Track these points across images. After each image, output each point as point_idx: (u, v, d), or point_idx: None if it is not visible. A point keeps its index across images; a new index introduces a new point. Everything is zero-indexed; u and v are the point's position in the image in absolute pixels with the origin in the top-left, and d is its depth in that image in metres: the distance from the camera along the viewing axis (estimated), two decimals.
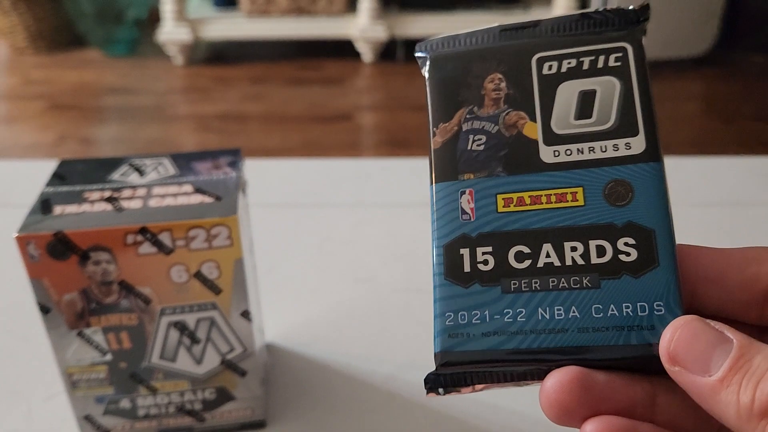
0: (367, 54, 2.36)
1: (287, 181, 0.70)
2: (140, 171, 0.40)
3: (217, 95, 2.18)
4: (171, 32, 2.30)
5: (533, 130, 0.25)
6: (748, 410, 0.19)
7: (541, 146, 0.25)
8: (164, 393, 0.41)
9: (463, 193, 0.25)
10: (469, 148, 0.26)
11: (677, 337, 0.21)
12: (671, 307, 0.22)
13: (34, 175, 0.56)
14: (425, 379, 0.24)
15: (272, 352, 0.49)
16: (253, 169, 0.57)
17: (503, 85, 0.26)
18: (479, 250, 0.24)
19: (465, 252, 0.25)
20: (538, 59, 0.26)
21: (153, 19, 2.44)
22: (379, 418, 0.44)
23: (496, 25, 0.27)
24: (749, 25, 2.40)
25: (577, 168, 0.24)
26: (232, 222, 0.36)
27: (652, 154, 0.24)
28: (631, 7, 0.26)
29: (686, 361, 0.21)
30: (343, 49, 2.37)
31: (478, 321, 0.24)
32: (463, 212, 0.25)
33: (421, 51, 0.28)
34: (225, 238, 0.36)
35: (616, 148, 0.24)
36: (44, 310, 0.37)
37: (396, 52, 2.39)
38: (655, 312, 0.23)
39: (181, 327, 0.39)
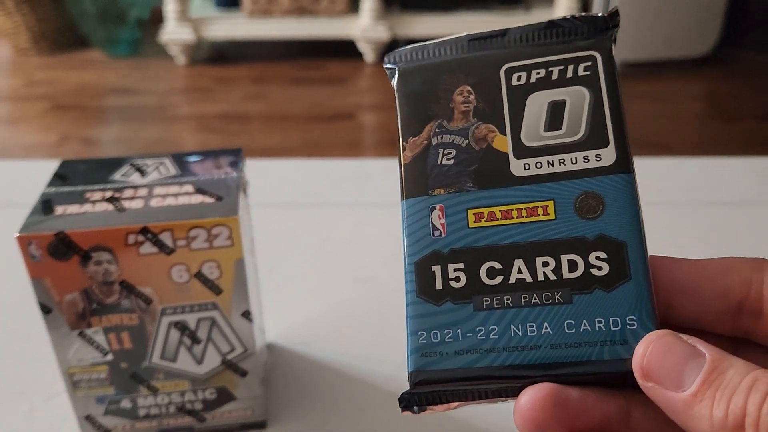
0: (368, 54, 2.36)
1: (288, 181, 0.70)
2: (141, 171, 0.40)
3: (219, 95, 2.18)
4: (173, 32, 2.30)
5: (503, 143, 0.25)
6: (722, 424, 0.19)
7: (512, 159, 0.25)
8: (165, 393, 0.41)
9: (434, 208, 0.25)
10: (439, 162, 0.25)
11: (650, 352, 0.21)
12: (644, 321, 0.22)
13: (36, 175, 0.56)
14: (400, 398, 0.24)
15: (273, 352, 0.49)
16: (254, 169, 0.57)
17: (472, 97, 0.26)
18: (451, 267, 0.24)
19: (437, 269, 0.24)
20: (507, 70, 0.26)
21: (155, 19, 2.45)
22: (380, 417, 0.44)
23: (464, 34, 0.27)
24: (751, 25, 2.40)
25: (547, 181, 0.24)
26: (232, 222, 0.36)
27: (623, 166, 0.24)
28: (599, 14, 0.25)
29: (659, 376, 0.21)
30: (345, 50, 2.37)
31: (451, 339, 0.24)
32: (434, 228, 0.25)
33: (389, 62, 0.28)
34: (226, 238, 0.36)
35: (586, 159, 0.24)
36: (45, 310, 0.37)
37: None
38: (628, 326, 0.22)
39: (181, 327, 0.39)
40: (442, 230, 0.25)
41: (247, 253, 0.39)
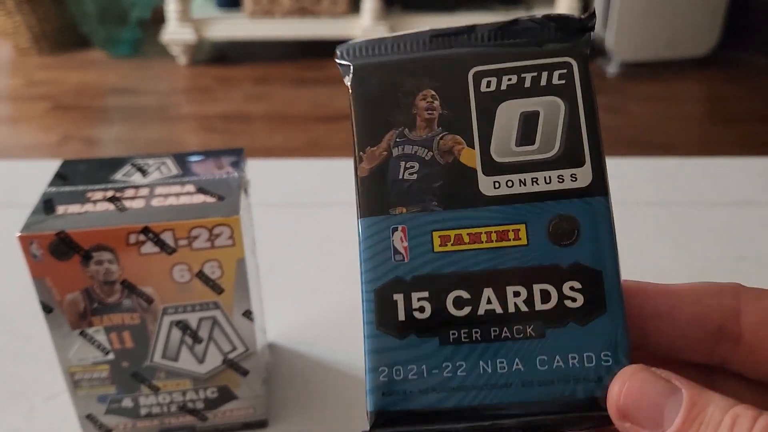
0: None
1: (290, 180, 0.70)
2: (143, 171, 0.40)
3: (221, 95, 2.18)
4: (175, 32, 2.30)
5: (471, 158, 0.23)
6: None
7: (480, 176, 0.23)
8: (166, 392, 0.41)
9: (395, 230, 0.23)
10: (400, 177, 0.23)
11: (625, 391, 0.20)
12: (618, 356, 0.21)
13: (37, 175, 0.56)
14: None
15: (274, 352, 0.49)
16: (255, 169, 0.57)
17: (437, 103, 0.23)
18: (414, 296, 0.22)
19: (399, 298, 0.22)
20: (476, 74, 0.24)
21: (156, 19, 2.45)
22: None
23: (426, 29, 0.24)
24: (752, 26, 2.40)
25: (519, 202, 0.22)
26: (234, 222, 0.36)
27: (599, 188, 0.22)
28: (574, 16, 0.24)
29: (637, 416, 0.20)
30: None
31: (415, 376, 0.22)
32: (396, 252, 0.23)
33: (342, 58, 0.25)
34: (227, 237, 0.36)
35: (561, 179, 0.22)
36: (47, 309, 0.37)
37: None
38: (603, 362, 0.21)
39: (183, 326, 0.39)
40: (404, 254, 0.22)
41: (248, 252, 0.38)
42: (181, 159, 0.41)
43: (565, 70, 0.23)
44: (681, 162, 0.71)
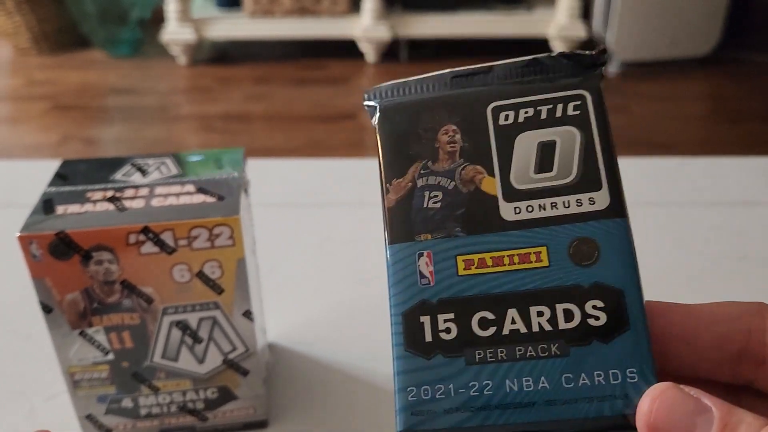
0: (370, 54, 2.36)
1: (290, 180, 0.70)
2: (143, 171, 0.40)
3: (221, 95, 2.18)
4: (175, 32, 2.30)
5: (492, 186, 0.24)
6: None
7: (501, 203, 0.24)
8: (166, 392, 0.41)
9: (421, 255, 0.24)
10: (425, 206, 0.24)
11: (656, 409, 0.20)
12: (645, 373, 0.21)
13: (37, 175, 0.56)
14: None
15: (274, 352, 0.49)
16: (255, 168, 0.57)
17: (458, 137, 0.25)
18: (441, 318, 0.23)
19: (426, 320, 0.23)
20: (494, 109, 0.25)
21: (156, 19, 2.45)
22: (381, 417, 0.44)
23: (447, 71, 0.26)
24: (753, 25, 2.40)
25: (539, 226, 0.23)
26: (234, 222, 0.36)
27: (617, 210, 0.23)
28: (587, 52, 0.25)
29: None
30: (347, 49, 2.37)
31: (443, 396, 0.22)
32: (422, 276, 0.24)
33: (370, 99, 0.27)
34: (227, 237, 0.36)
35: (579, 203, 0.23)
36: (46, 309, 0.37)
37: (399, 52, 2.39)
38: (629, 380, 0.21)
39: (183, 326, 0.39)
40: (430, 278, 0.23)
41: (248, 252, 0.38)
42: (181, 159, 0.41)
43: (579, 102, 0.24)
44: (682, 161, 0.71)
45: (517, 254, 0.23)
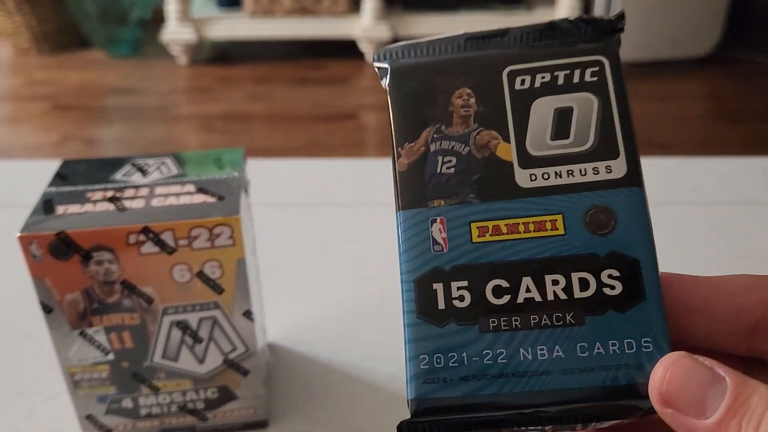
0: (370, 54, 2.36)
1: (290, 180, 0.70)
2: (143, 171, 0.40)
3: (221, 95, 2.18)
4: (175, 32, 2.30)
5: (507, 152, 0.24)
6: None
7: (517, 169, 0.23)
8: (166, 392, 0.41)
9: (434, 221, 0.23)
10: (438, 171, 0.24)
11: (669, 377, 0.20)
12: (659, 343, 0.21)
13: (37, 175, 0.56)
14: (398, 427, 0.22)
15: (274, 352, 0.49)
16: (256, 168, 0.57)
17: (473, 101, 0.24)
18: (454, 285, 0.23)
19: (438, 287, 0.23)
20: (510, 73, 0.24)
21: (157, 19, 2.45)
22: (382, 417, 0.44)
23: (461, 33, 0.25)
24: (753, 25, 2.40)
25: (555, 193, 0.23)
26: (234, 222, 0.36)
27: (634, 179, 0.23)
28: (605, 17, 0.24)
29: (680, 402, 0.20)
30: (347, 49, 2.37)
31: (456, 364, 0.22)
32: (435, 243, 0.23)
33: (380, 60, 0.26)
34: (227, 237, 0.36)
35: (596, 171, 0.23)
36: (46, 309, 0.37)
37: None
38: (643, 349, 0.21)
39: (183, 326, 0.39)
40: (443, 245, 0.23)
41: (248, 252, 0.38)
42: (181, 159, 0.41)
43: (597, 68, 0.24)
44: (682, 161, 0.71)
45: (533, 222, 0.23)
